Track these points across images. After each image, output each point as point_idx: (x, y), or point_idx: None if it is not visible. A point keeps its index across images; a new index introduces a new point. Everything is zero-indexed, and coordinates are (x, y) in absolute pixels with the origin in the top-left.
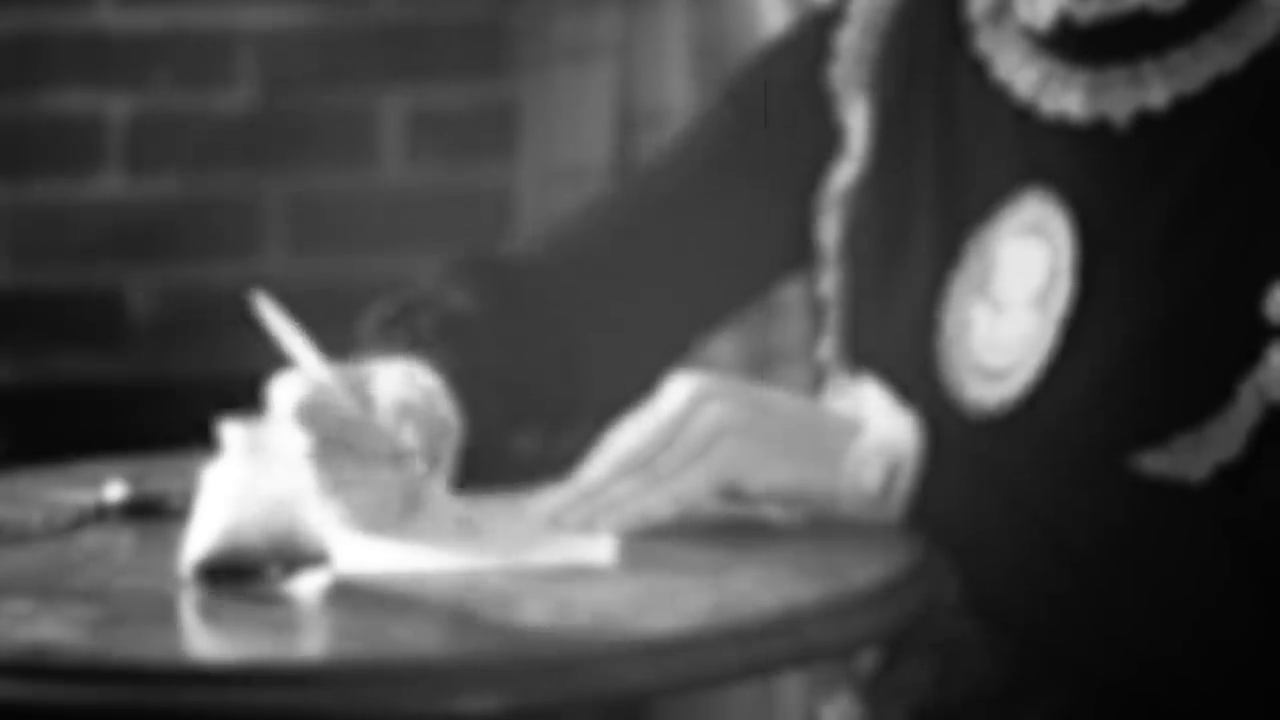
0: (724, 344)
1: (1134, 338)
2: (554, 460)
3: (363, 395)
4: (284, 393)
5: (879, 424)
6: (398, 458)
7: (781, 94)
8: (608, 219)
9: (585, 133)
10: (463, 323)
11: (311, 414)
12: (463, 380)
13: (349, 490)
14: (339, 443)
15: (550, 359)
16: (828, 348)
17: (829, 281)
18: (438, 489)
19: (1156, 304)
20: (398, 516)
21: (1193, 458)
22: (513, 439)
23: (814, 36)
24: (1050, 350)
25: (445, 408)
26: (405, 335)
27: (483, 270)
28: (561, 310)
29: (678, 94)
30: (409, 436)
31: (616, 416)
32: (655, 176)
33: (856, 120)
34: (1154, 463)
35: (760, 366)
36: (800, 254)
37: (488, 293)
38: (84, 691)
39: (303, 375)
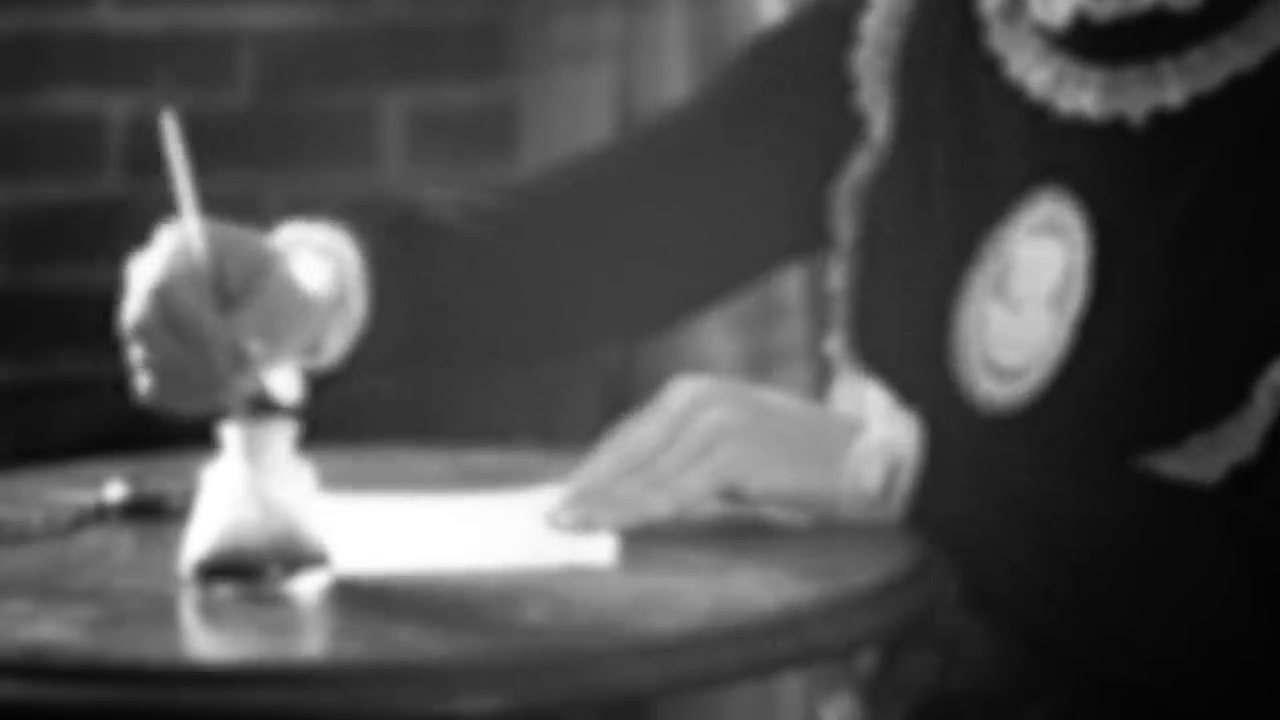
0: (724, 344)
1: (1149, 337)
2: (554, 460)
3: (254, 271)
4: (146, 264)
5: (879, 424)
6: (237, 362)
7: (802, 67)
8: (611, 163)
9: (585, 133)
10: (423, 230)
11: (162, 298)
12: (387, 275)
13: (165, 358)
14: (172, 327)
15: (497, 288)
16: (836, 341)
17: (841, 274)
18: (281, 377)
19: (1172, 303)
20: (212, 390)
21: (1208, 458)
22: (416, 368)
23: (838, 17)
24: (1065, 350)
25: (356, 293)
26: (363, 219)
27: (476, 193)
28: (539, 241)
29: (678, 94)
30: (257, 346)
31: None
32: (666, 126)
33: (879, 112)
34: (1169, 463)
35: (760, 367)
36: (804, 237)
37: (467, 211)
38: (84, 691)
39: (172, 242)
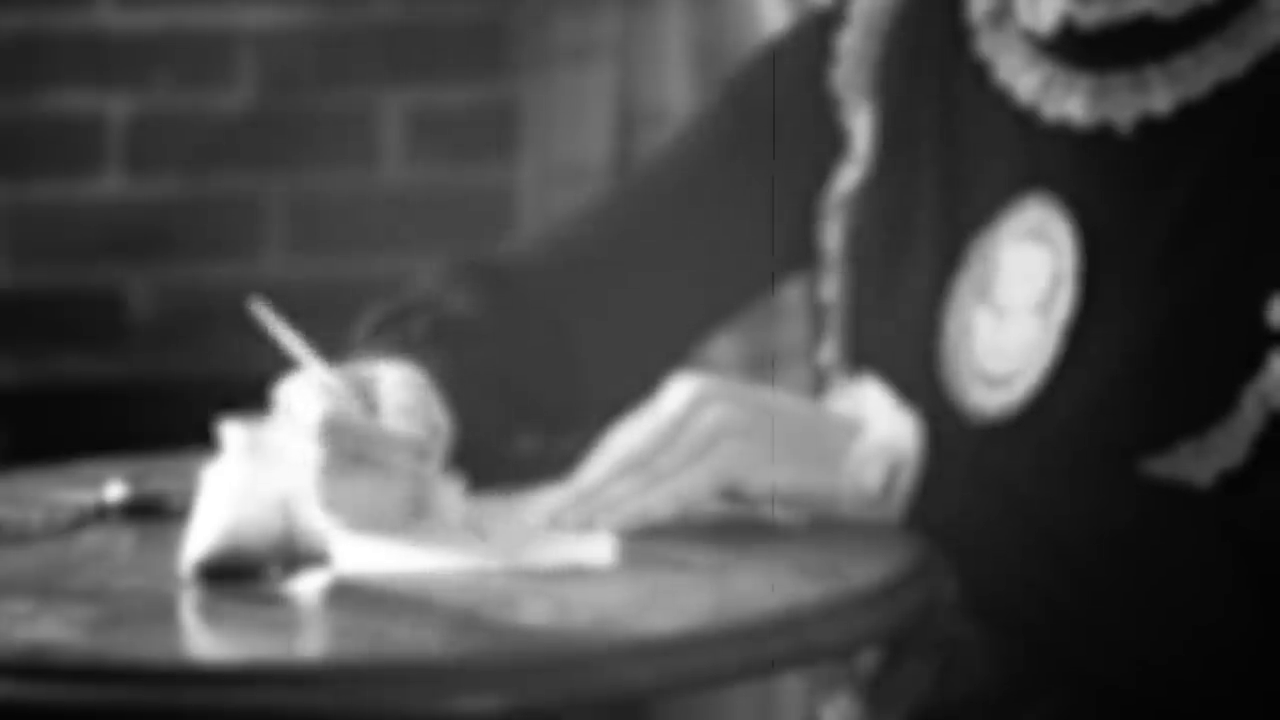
0: (724, 344)
1: (1136, 344)
2: (554, 460)
3: (370, 401)
4: (302, 404)
5: (880, 424)
6: (420, 456)
7: (782, 95)
8: (606, 220)
9: (585, 133)
10: (458, 325)
11: (334, 431)
12: (457, 382)
13: (359, 500)
14: (355, 455)
15: (548, 361)
16: (829, 352)
17: (830, 286)
18: (445, 491)
19: (1159, 310)
20: (403, 520)
21: (1196, 464)
22: (512, 441)
23: (814, 38)
24: (1053, 356)
25: (435, 409)
26: (397, 338)
27: (479, 273)
28: (560, 313)
29: (678, 94)
30: (425, 439)
31: (615, 419)
32: (654, 178)
33: (859, 124)
34: (1158, 469)
35: (761, 367)
36: (800, 257)
37: (484, 295)
38: (84, 691)
39: (314, 383)
